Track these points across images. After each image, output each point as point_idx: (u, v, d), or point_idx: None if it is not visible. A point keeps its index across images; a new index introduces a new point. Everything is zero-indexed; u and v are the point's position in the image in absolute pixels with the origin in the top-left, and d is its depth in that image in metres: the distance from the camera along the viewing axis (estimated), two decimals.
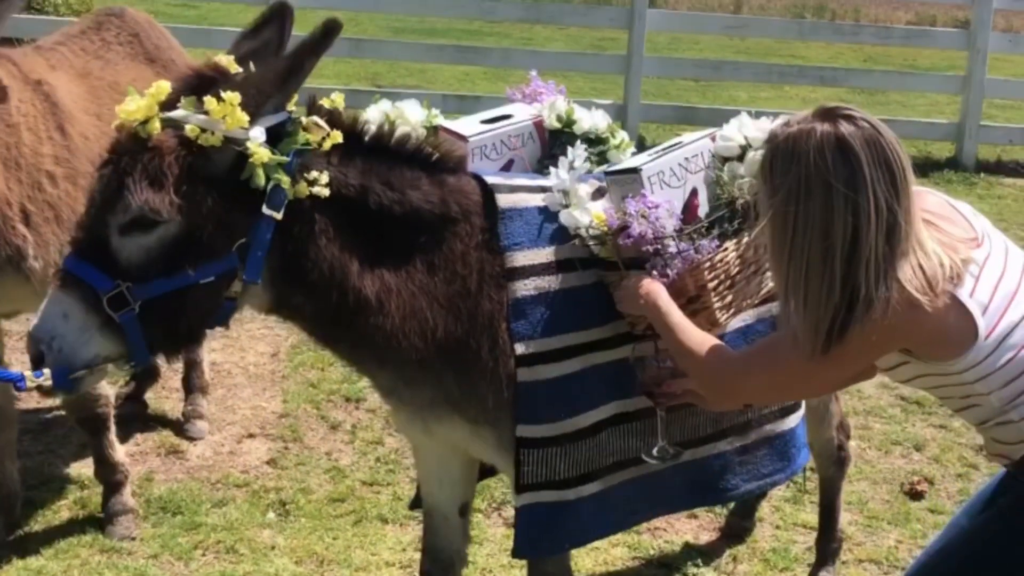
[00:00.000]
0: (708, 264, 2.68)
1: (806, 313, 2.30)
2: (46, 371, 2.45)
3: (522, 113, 3.09)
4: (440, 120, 3.02)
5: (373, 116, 2.94)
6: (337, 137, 2.56)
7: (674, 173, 2.75)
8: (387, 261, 2.68)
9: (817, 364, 2.36)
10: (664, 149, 2.80)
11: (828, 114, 2.29)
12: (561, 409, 2.79)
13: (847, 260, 2.23)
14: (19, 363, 5.06)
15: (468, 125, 3.02)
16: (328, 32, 2.50)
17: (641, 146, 9.32)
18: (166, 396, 5.16)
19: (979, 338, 2.31)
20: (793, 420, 3.25)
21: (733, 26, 12.50)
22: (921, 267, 2.27)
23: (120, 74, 4.14)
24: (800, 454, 3.31)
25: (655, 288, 2.65)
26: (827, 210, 2.23)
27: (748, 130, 2.84)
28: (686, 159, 2.78)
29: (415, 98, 3.07)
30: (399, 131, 2.75)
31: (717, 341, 2.61)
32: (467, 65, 12.82)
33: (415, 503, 3.32)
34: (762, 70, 12.05)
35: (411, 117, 2.97)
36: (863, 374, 2.62)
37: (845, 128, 2.25)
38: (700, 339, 2.58)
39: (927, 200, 2.45)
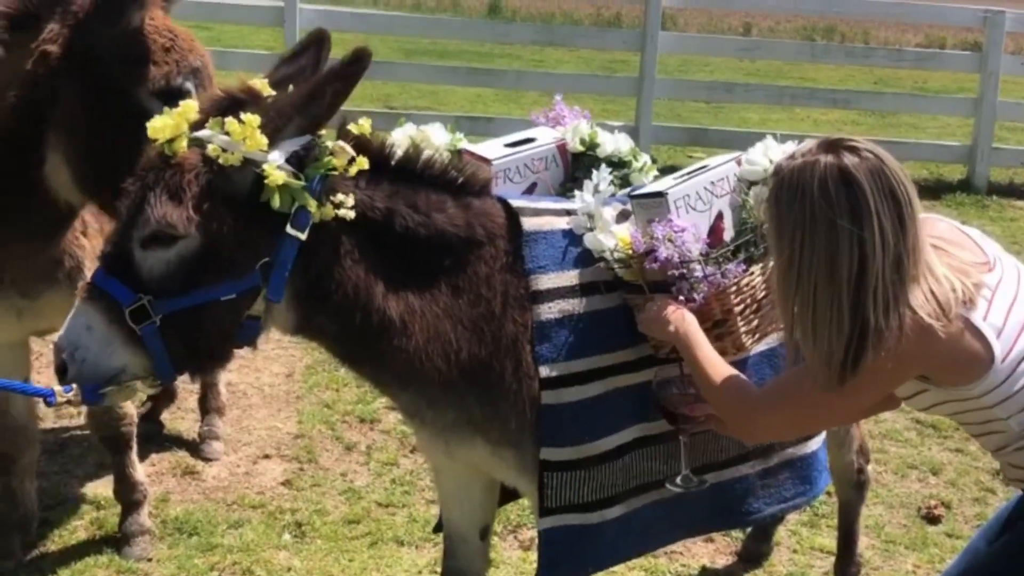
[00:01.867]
0: (734, 288, 2.68)
1: (816, 346, 2.31)
2: (75, 386, 2.47)
3: (545, 136, 3.10)
4: (464, 144, 3.04)
5: (398, 139, 2.95)
6: (363, 163, 2.58)
7: (700, 197, 2.75)
8: (412, 283, 2.69)
9: (835, 396, 2.37)
10: (689, 173, 2.81)
11: (832, 146, 2.30)
12: (585, 432, 2.79)
13: (855, 291, 2.24)
14: (40, 382, 5.08)
15: (492, 148, 3.03)
16: (357, 59, 2.52)
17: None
18: (182, 417, 5.16)
19: (995, 361, 2.31)
20: (815, 443, 3.25)
21: (745, 48, 12.55)
22: (933, 293, 2.28)
23: None
24: (822, 477, 3.31)
25: (686, 319, 2.65)
26: (832, 243, 2.24)
27: (774, 154, 2.84)
28: (712, 183, 2.78)
29: (427, 119, 3.09)
30: (425, 154, 2.76)
31: (742, 378, 2.61)
32: (479, 87, 12.86)
33: (439, 527, 3.31)
34: (773, 92, 12.08)
35: (436, 140, 2.99)
36: (885, 403, 2.62)
37: (849, 160, 2.26)
38: (726, 375, 2.59)
39: (937, 226, 2.46)
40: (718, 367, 2.60)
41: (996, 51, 10.65)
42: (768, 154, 2.84)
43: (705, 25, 24.55)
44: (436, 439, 2.90)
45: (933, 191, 10.39)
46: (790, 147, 2.86)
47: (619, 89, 11.73)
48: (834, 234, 2.24)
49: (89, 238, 3.57)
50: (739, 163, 2.88)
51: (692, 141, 10.86)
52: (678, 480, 2.87)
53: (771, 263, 2.75)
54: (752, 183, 2.84)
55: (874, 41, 23.03)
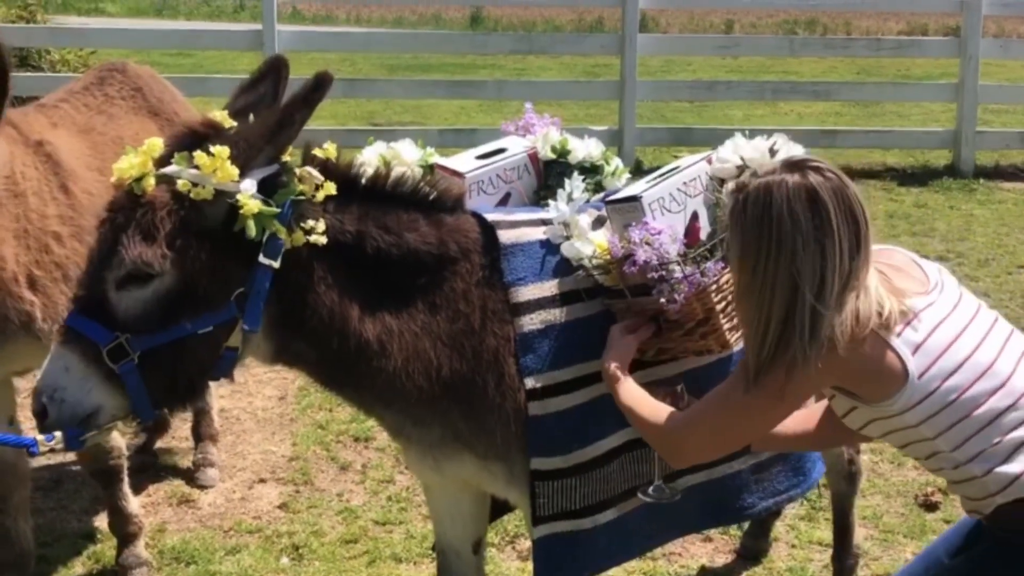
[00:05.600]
0: (715, 287, 2.67)
1: (759, 350, 2.37)
2: (57, 434, 2.47)
3: (516, 146, 3.10)
4: (436, 158, 3.03)
5: (368, 158, 2.95)
6: (330, 188, 2.59)
7: (674, 198, 2.75)
8: (388, 304, 2.69)
9: (755, 399, 2.42)
10: (662, 175, 2.81)
11: (796, 166, 2.37)
12: (573, 440, 2.79)
13: (815, 300, 2.30)
14: (27, 418, 5.07)
15: (464, 161, 3.02)
16: (319, 85, 2.53)
17: (639, 169, 9.41)
18: (176, 446, 5.15)
19: (910, 377, 2.35)
20: None
21: (725, 46, 12.55)
22: (857, 310, 2.34)
23: (123, 128, 4.17)
24: (815, 468, 3.30)
25: (611, 350, 2.71)
26: (796, 257, 2.31)
27: (744, 151, 2.85)
28: (684, 183, 2.78)
29: (412, 134, 3.08)
30: (395, 173, 2.76)
31: (661, 406, 2.65)
32: (462, 99, 12.89)
33: None
34: (755, 88, 12.12)
35: (407, 157, 2.98)
36: (848, 436, 2.69)
37: (814, 179, 2.33)
38: (645, 405, 2.64)
39: (893, 256, 2.54)
40: (643, 401, 2.65)
41: (975, 35, 10.66)
42: (738, 151, 2.85)
43: (687, 24, 24.64)
44: (424, 457, 2.90)
45: (920, 178, 10.41)
46: (760, 143, 2.87)
47: (601, 93, 11.75)
48: (799, 251, 2.31)
49: (36, 291, 3.58)
50: (710, 162, 2.89)
51: (677, 141, 10.86)
52: (650, 491, 2.87)
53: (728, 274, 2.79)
54: (724, 181, 2.84)
55: (856, 31, 23.10)
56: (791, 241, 2.31)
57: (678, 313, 2.68)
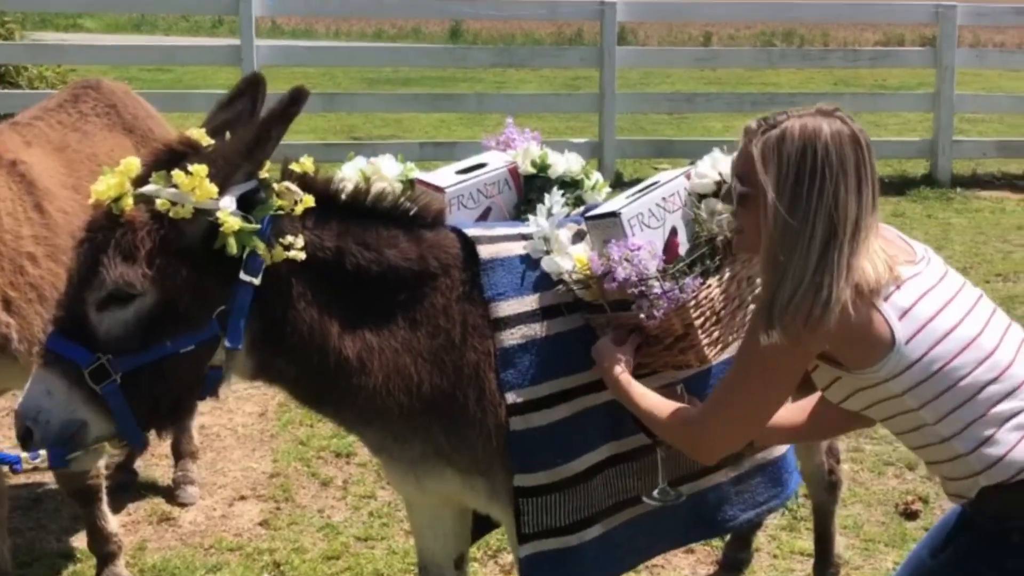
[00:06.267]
0: (694, 302, 2.68)
1: (797, 290, 2.29)
2: (42, 452, 2.46)
3: (496, 160, 3.10)
4: (416, 173, 3.03)
5: (348, 173, 2.95)
6: (309, 202, 2.59)
7: (653, 214, 2.76)
8: (368, 320, 2.69)
9: (772, 351, 2.32)
10: (641, 191, 2.82)
11: (830, 113, 2.37)
12: (556, 455, 2.79)
13: (849, 245, 2.28)
14: (7, 438, 5.04)
15: (444, 176, 3.03)
16: (294, 100, 2.53)
17: (619, 182, 9.43)
18: (156, 463, 5.12)
19: (897, 342, 2.31)
20: (784, 446, 3.25)
21: (703, 58, 12.62)
22: (865, 267, 2.32)
23: (98, 146, 4.15)
24: (792, 479, 3.32)
25: (610, 359, 2.68)
26: (838, 198, 2.29)
27: (722, 166, 2.86)
28: (663, 199, 2.79)
29: (392, 148, 3.08)
30: (375, 188, 2.76)
31: (677, 404, 2.62)
32: (442, 112, 12.90)
33: None
34: (734, 99, 12.18)
35: (387, 172, 2.98)
36: (854, 421, 2.63)
37: (854, 126, 2.35)
38: (661, 405, 2.61)
39: (882, 229, 2.48)
40: (656, 402, 2.62)
41: (949, 45, 10.76)
42: (716, 166, 2.86)
43: (666, 36, 24.73)
44: (406, 473, 2.89)
45: (898, 187, 10.48)
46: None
47: (581, 106, 11.79)
48: (841, 191, 2.29)
49: (11, 313, 3.56)
50: (688, 177, 2.90)
51: (657, 153, 10.90)
52: (655, 494, 2.87)
53: (730, 271, 2.78)
54: (702, 196, 2.85)
55: (833, 42, 23.23)
56: (835, 181, 2.29)
57: (657, 328, 2.69)
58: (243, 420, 5.60)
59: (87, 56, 12.10)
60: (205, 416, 5.49)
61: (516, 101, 11.95)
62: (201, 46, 13.91)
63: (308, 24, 27.79)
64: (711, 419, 2.53)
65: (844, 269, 2.27)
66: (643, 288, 2.65)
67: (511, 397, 2.73)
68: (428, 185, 2.96)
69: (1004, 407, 2.34)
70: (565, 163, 3.12)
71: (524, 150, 3.12)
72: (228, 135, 2.61)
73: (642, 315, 2.66)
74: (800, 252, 2.29)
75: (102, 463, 4.06)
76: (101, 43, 16.31)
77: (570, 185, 3.09)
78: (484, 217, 3.00)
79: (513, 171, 3.08)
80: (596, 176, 3.17)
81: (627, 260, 2.64)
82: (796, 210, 2.30)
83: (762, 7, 13.82)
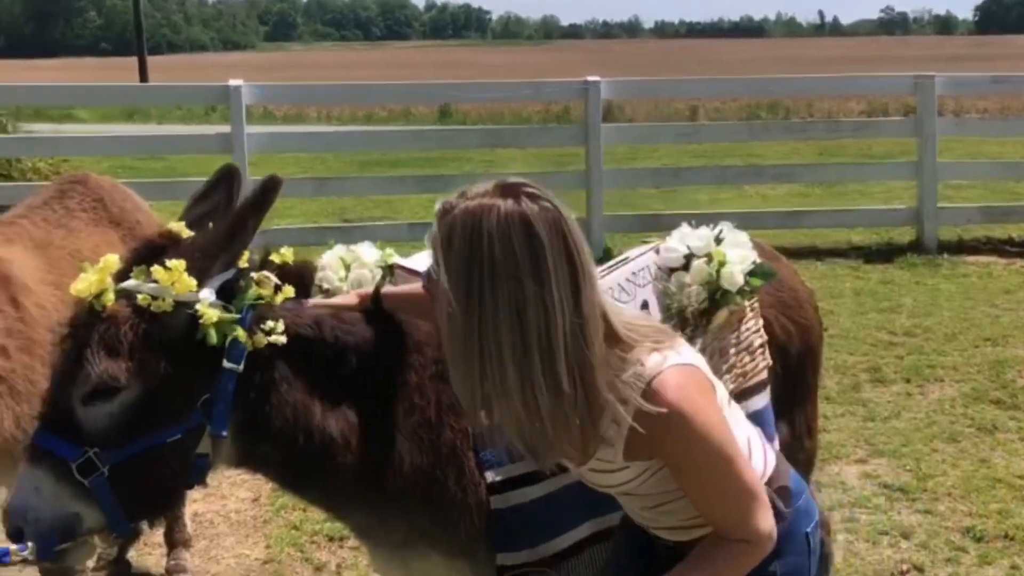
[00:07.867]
0: None
1: (551, 416, 2.09)
2: (31, 545, 2.48)
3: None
4: (395, 258, 3.10)
5: (329, 261, 3.01)
6: (289, 292, 2.65)
7: (623, 288, 2.82)
8: (347, 399, 2.72)
9: (717, 450, 2.20)
10: (611, 266, 2.88)
11: (510, 190, 2.10)
12: (538, 533, 2.80)
13: (547, 352, 2.05)
14: None
15: (423, 260, 3.08)
16: (267, 190, 2.59)
17: (608, 257, 9.50)
18: (148, 552, 5.10)
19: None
20: None
21: (687, 133, 12.82)
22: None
23: (83, 241, 4.20)
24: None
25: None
26: (516, 298, 2.03)
27: (690, 240, 2.92)
28: (633, 273, 2.86)
29: (383, 229, 3.15)
30: (352, 276, 2.81)
31: (709, 554, 2.30)
32: (432, 193, 12.98)
33: None
34: (719, 173, 12.32)
35: (366, 258, 3.04)
36: None
37: (528, 207, 2.06)
38: (709, 566, 2.30)
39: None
40: (706, 568, 2.31)
41: (930, 115, 10.93)
42: (684, 240, 2.92)
43: (652, 111, 25.04)
44: (392, 558, 2.90)
45: (885, 255, 10.58)
46: (704, 232, 2.94)
47: (568, 183, 11.88)
48: (517, 289, 2.03)
49: None
50: (658, 252, 2.96)
51: (645, 227, 10.98)
52: None
53: (703, 341, 2.82)
54: (672, 269, 2.91)
55: (818, 113, 23.56)
56: (507, 275, 2.02)
57: None
58: (236, 506, 5.59)
59: (80, 147, 12.26)
60: (198, 503, 5.49)
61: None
62: (192, 135, 14.13)
63: (300, 109, 28.18)
64: (747, 520, 2.27)
65: (548, 381, 2.04)
66: None
67: (490, 475, 2.75)
68: (407, 270, 3.02)
69: None
70: None
71: None
72: (210, 225, 2.68)
73: None
74: (496, 371, 2.06)
75: (91, 563, 4.05)
76: (94, 133, 16.54)
77: None
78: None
79: None
80: None
81: None
82: (471, 320, 2.05)
83: (745, 83, 14.06)
